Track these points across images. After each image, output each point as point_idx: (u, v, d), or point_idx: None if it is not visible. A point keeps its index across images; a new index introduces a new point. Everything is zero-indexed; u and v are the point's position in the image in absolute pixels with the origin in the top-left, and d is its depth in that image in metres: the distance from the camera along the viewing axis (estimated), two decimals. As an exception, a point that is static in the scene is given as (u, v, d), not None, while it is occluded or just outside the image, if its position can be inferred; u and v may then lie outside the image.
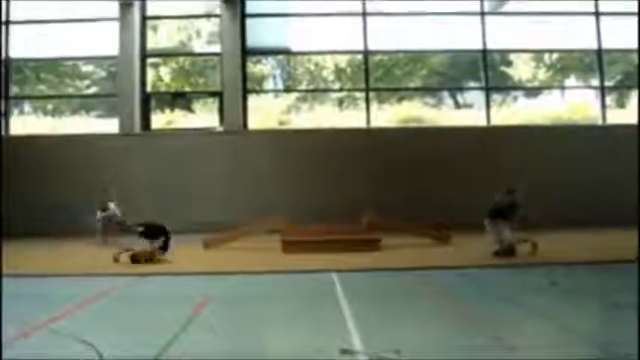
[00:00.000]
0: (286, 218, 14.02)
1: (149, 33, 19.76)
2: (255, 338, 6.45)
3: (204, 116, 19.76)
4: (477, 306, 7.63)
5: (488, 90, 19.74)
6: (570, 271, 9.75)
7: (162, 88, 20.28)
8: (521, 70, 20.43)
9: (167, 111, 19.98)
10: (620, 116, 19.45)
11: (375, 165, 17.86)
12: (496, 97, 20.31)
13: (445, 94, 20.97)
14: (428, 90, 20.86)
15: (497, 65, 20.41)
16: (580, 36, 19.61)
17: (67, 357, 5.45)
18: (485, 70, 19.64)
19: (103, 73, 20.58)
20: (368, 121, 19.34)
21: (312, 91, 20.80)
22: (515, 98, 20.91)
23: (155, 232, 11.97)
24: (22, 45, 19.35)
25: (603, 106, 19.64)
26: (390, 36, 19.59)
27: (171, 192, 17.72)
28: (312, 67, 20.91)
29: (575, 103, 20.23)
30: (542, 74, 20.45)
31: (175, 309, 7.56)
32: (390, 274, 10.18)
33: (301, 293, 8.92)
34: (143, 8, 19.51)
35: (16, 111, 19.94)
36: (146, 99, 19.40)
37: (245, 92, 19.43)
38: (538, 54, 20.32)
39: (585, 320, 6.99)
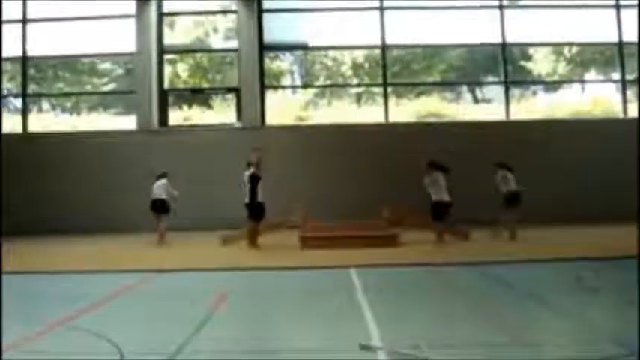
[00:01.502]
0: (305, 213, 13.99)
1: (166, 29, 19.78)
2: (273, 335, 6.41)
3: (222, 113, 19.76)
4: (499, 302, 7.55)
5: (507, 84, 19.57)
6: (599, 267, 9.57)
7: (180, 85, 20.28)
8: (541, 64, 20.24)
9: (185, 107, 20.01)
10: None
11: (394, 160, 17.74)
12: (515, 91, 20.15)
13: (463, 88, 20.85)
14: (446, 85, 20.75)
15: (517, 59, 20.23)
16: (600, 29, 19.37)
17: (89, 355, 5.44)
18: (504, 64, 19.49)
19: (121, 70, 20.66)
20: (386, 116, 19.25)
21: (330, 86, 20.75)
22: (535, 93, 20.74)
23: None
24: (40, 43, 19.43)
25: (624, 99, 19.41)
26: (407, 30, 19.46)
27: (189, 188, 17.69)
28: (330, 63, 20.86)
29: (596, 97, 19.98)
30: (562, 68, 20.25)
31: (193, 305, 7.56)
32: (408, 270, 10.12)
33: (319, 289, 8.88)
34: (160, 5, 19.55)
35: (34, 109, 20.07)
36: (164, 95, 19.43)
37: (262, 88, 19.41)
38: (558, 47, 20.11)
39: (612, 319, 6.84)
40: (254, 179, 13.13)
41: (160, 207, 14.52)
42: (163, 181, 14.72)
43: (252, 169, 13.21)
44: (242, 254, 12.50)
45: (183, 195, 16.82)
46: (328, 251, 11.99)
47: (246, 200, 13.15)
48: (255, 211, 13.16)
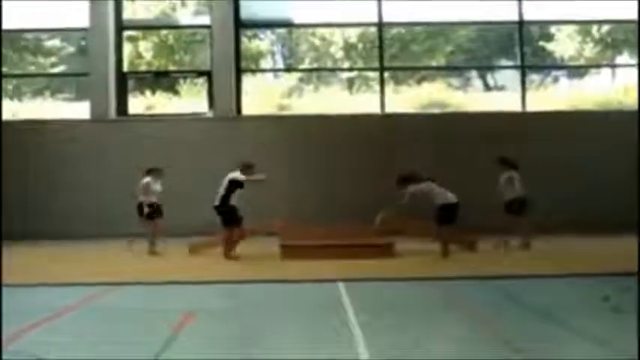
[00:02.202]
0: (285, 218, 13.93)
1: (125, 1, 19.62)
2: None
3: (191, 100, 19.69)
4: (506, 324, 7.49)
5: (524, 69, 19.54)
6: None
7: (142, 67, 20.22)
8: (564, 45, 20.25)
9: (147, 93, 19.91)
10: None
11: (390, 156, 17.69)
12: (533, 77, 20.17)
13: (473, 74, 20.86)
14: (453, 69, 20.74)
15: (536, 40, 20.25)
16: (635, 3, 19.37)
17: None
18: (520, 45, 19.45)
19: (72, 49, 20.55)
20: (382, 105, 19.19)
21: (318, 70, 20.74)
22: (556, 79, 20.79)
23: None
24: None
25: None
26: (408, 5, 19.36)
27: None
28: (318, 43, 20.84)
29: (628, 85, 19.97)
30: (589, 50, 20.26)
31: (152, 326, 7.42)
32: (404, 285, 10.05)
33: (303, 306, 8.78)
34: (119, -27, 19.43)
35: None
36: (122, 79, 19.29)
37: (239, 72, 19.31)
38: (584, 26, 20.10)
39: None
40: (234, 184, 13.11)
41: (139, 210, 14.32)
42: (146, 179, 14.49)
43: (240, 174, 13.23)
44: (212, 265, 12.37)
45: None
46: (313, 262, 11.88)
47: (216, 202, 13.13)
48: (228, 215, 13.10)
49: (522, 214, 13.91)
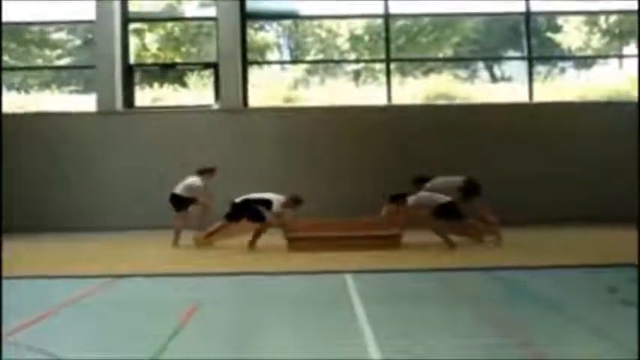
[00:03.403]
0: (292, 212, 13.91)
1: (132, -6, 19.61)
2: (255, 354, 6.28)
3: (198, 92, 19.64)
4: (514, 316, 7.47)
5: (531, 60, 19.45)
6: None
7: (148, 59, 20.15)
8: (572, 36, 20.14)
9: (154, 86, 19.87)
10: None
11: (397, 149, 17.65)
12: (540, 68, 20.07)
13: (480, 65, 20.77)
14: (459, 61, 20.66)
15: (543, 31, 20.15)
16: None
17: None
18: (527, 36, 19.33)
19: (78, 41, 20.47)
20: (389, 97, 19.12)
21: (324, 62, 20.66)
22: (564, 70, 20.68)
23: None
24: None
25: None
26: (415, -3, 19.35)
27: (157, 181, 17.58)
28: (324, 35, 20.77)
29: (635, 76, 19.86)
30: (597, 41, 20.15)
31: (158, 318, 7.45)
32: (411, 277, 10.06)
33: (310, 298, 8.82)
34: (124, -35, 19.37)
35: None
36: (129, 72, 19.22)
37: (245, 64, 19.23)
38: (592, 16, 19.97)
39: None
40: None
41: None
42: (196, 178, 14.59)
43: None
44: (216, 257, 12.44)
45: (149, 188, 16.83)
46: (320, 254, 11.92)
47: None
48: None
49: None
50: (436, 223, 13.07)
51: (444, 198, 13.19)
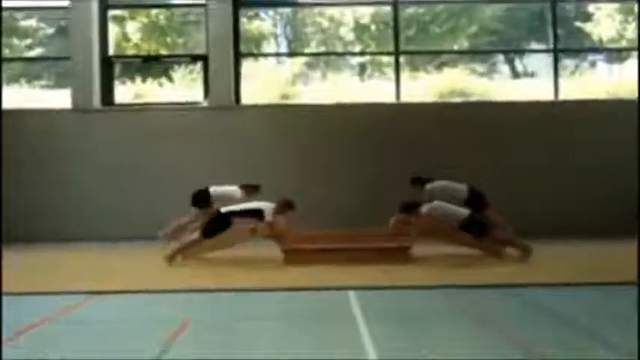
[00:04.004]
0: (286, 219, 13.97)
1: (111, -23, 19.72)
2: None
3: (185, 87, 19.70)
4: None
5: (556, 53, 19.51)
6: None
7: (130, 51, 20.17)
8: (603, 25, 20.19)
9: (136, 80, 19.92)
10: None
11: (406, 151, 17.73)
12: (568, 62, 20.14)
13: (499, 58, 20.84)
14: (477, 53, 20.73)
15: (571, 20, 20.22)
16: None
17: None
18: (553, 26, 19.37)
19: (51, 30, 20.55)
20: (398, 93, 19.20)
21: (326, 54, 20.73)
22: (594, 64, 20.74)
23: None
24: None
25: None
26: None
27: (139, 186, 17.69)
28: (326, 24, 20.82)
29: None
30: (632, 31, 20.21)
31: (142, 338, 7.49)
32: (421, 294, 10.10)
33: (309, 317, 8.82)
34: (103, -57, 19.46)
35: None
36: (108, 64, 19.28)
37: (237, 56, 19.29)
38: (627, 3, 20.01)
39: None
40: None
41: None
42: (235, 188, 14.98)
43: None
44: (204, 271, 12.43)
45: (130, 194, 16.94)
46: (320, 268, 11.97)
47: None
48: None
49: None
50: (463, 236, 13.16)
51: (463, 210, 13.29)
